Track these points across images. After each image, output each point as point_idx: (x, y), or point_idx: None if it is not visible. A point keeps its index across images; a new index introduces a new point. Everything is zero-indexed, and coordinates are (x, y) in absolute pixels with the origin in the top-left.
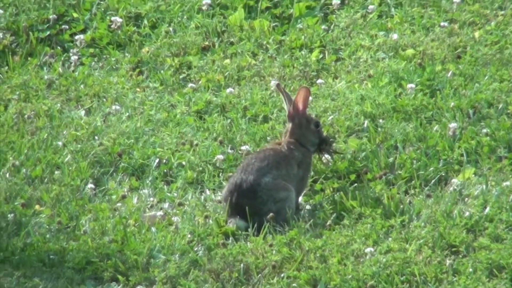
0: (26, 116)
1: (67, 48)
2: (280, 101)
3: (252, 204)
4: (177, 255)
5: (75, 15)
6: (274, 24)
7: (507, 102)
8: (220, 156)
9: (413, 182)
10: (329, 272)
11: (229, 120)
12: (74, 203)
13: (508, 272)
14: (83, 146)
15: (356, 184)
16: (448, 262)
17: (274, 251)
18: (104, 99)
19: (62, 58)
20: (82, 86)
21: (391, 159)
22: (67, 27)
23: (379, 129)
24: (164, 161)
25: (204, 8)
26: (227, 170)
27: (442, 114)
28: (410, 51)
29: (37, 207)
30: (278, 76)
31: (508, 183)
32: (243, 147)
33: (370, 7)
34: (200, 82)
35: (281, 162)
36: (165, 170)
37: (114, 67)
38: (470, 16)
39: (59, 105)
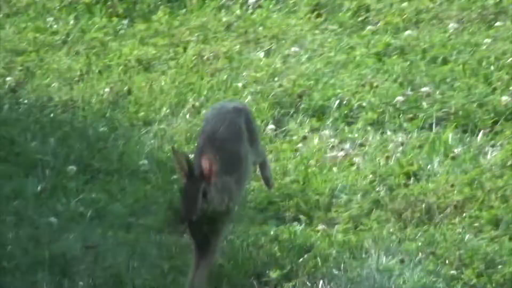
0: (205, 57)
1: None
2: (458, 44)
3: None
4: (359, 195)
5: None
6: None
7: None
8: (400, 98)
9: None
10: (511, 212)
11: (408, 62)
12: None
13: None
14: (263, 87)
15: None
16: None
17: (455, 191)
18: (283, 41)
19: (240, 1)
20: (260, 28)
21: None
22: None
23: None
24: (345, 102)
25: None
26: (407, 111)
27: None
28: None
29: None
30: (456, 18)
31: None
32: (423, 89)
33: None
34: (378, 24)
35: None
36: (346, 111)
37: (292, 9)
38: None
39: (238, 46)
